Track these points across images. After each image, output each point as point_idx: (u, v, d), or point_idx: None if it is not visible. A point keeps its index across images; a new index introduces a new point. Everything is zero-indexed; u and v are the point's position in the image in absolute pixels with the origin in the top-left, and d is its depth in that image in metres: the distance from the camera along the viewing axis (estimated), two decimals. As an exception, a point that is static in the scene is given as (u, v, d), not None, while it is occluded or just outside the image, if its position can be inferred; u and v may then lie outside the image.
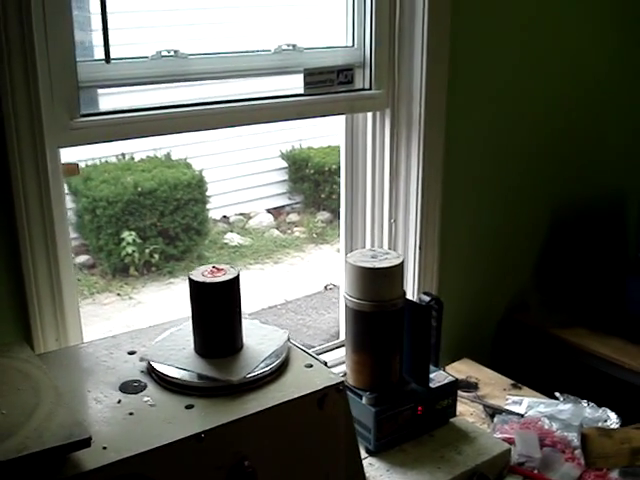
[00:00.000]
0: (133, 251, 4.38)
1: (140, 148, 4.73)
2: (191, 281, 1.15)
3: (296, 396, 1.09)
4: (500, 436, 1.55)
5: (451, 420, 1.53)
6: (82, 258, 4.49)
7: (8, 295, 1.29)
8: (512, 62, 1.99)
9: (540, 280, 2.26)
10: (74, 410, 0.97)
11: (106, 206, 4.35)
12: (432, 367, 1.51)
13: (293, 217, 5.55)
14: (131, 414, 1.03)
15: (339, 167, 1.92)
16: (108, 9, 1.33)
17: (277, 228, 5.37)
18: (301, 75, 1.63)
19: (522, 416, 1.65)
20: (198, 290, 1.15)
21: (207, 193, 4.79)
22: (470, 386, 1.81)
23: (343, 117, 1.83)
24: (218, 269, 1.17)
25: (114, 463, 0.92)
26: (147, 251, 4.46)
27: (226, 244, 5.03)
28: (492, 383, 1.84)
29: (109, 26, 1.33)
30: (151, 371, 1.14)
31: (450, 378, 1.52)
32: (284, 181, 5.68)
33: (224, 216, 5.29)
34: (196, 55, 1.49)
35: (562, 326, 2.09)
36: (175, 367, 1.13)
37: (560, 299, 2.17)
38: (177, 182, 4.57)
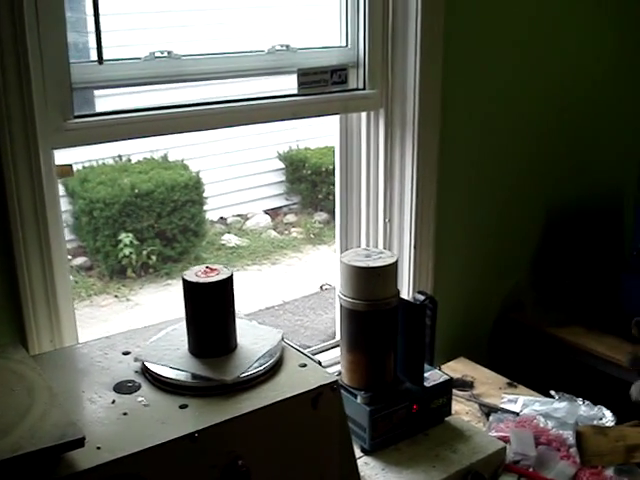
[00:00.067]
0: (130, 253, 4.38)
1: (137, 150, 4.72)
2: (185, 281, 1.16)
3: (290, 395, 1.09)
4: (495, 434, 1.56)
5: (446, 419, 1.53)
6: (79, 260, 4.48)
7: (2, 297, 1.29)
8: (508, 62, 2.00)
9: (536, 279, 2.27)
10: (68, 410, 0.97)
11: (103, 208, 4.34)
12: (427, 366, 1.51)
13: (290, 218, 5.55)
14: (125, 414, 1.04)
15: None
16: (102, 11, 1.34)
17: (274, 229, 5.37)
18: (295, 75, 1.63)
19: (517, 414, 1.66)
20: (191, 290, 1.15)
21: (204, 194, 4.78)
22: (466, 385, 1.81)
23: (337, 117, 1.83)
24: (212, 269, 1.17)
25: (108, 463, 0.92)
26: (144, 253, 4.45)
27: (223, 245, 5.03)
28: (488, 382, 1.85)
29: (102, 28, 1.34)
30: (145, 371, 1.15)
31: (445, 377, 1.52)
32: (281, 182, 5.68)
33: (221, 217, 5.29)
34: (190, 56, 1.49)
35: (558, 325, 2.09)
36: (169, 367, 1.13)
37: (556, 298, 2.17)
38: (174, 183, 4.57)
